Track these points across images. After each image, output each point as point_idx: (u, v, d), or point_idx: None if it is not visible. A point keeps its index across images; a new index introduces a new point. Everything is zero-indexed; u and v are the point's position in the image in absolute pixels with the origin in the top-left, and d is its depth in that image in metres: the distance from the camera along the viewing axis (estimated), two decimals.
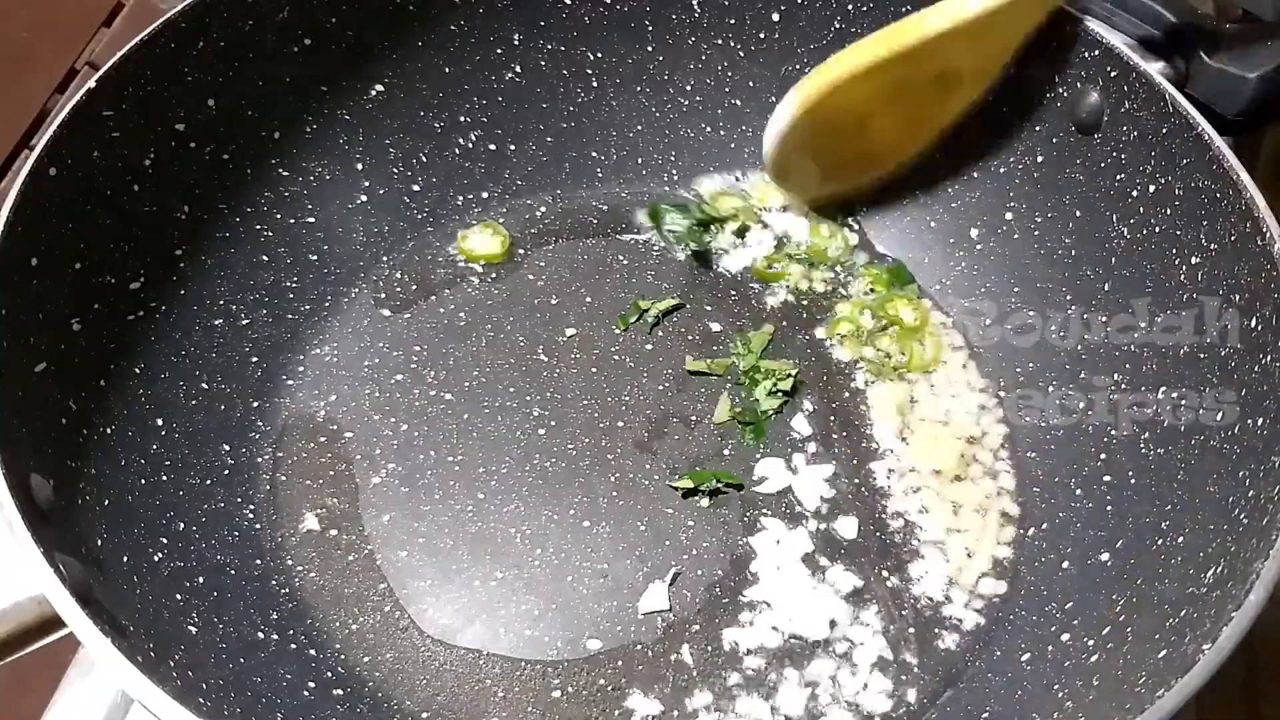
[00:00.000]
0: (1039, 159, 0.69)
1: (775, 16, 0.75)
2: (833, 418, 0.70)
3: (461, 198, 0.78)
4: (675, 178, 0.80)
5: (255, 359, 0.68)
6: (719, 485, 0.66)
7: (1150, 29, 0.69)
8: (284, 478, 0.65)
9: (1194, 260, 0.60)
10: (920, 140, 0.73)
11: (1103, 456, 0.64)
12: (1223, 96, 0.67)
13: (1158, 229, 0.63)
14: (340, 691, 0.57)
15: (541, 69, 0.77)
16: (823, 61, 0.69)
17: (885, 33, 0.67)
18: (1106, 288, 0.66)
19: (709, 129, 0.80)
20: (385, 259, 0.75)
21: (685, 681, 0.59)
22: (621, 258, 0.77)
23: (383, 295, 0.74)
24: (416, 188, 0.76)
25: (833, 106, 0.69)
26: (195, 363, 0.65)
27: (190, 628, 0.54)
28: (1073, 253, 0.68)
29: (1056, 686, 0.56)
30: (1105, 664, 0.54)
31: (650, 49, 0.77)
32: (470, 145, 0.77)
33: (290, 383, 0.69)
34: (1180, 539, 0.56)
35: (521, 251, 0.77)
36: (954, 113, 0.70)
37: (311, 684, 0.57)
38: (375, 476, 0.66)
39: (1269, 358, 0.55)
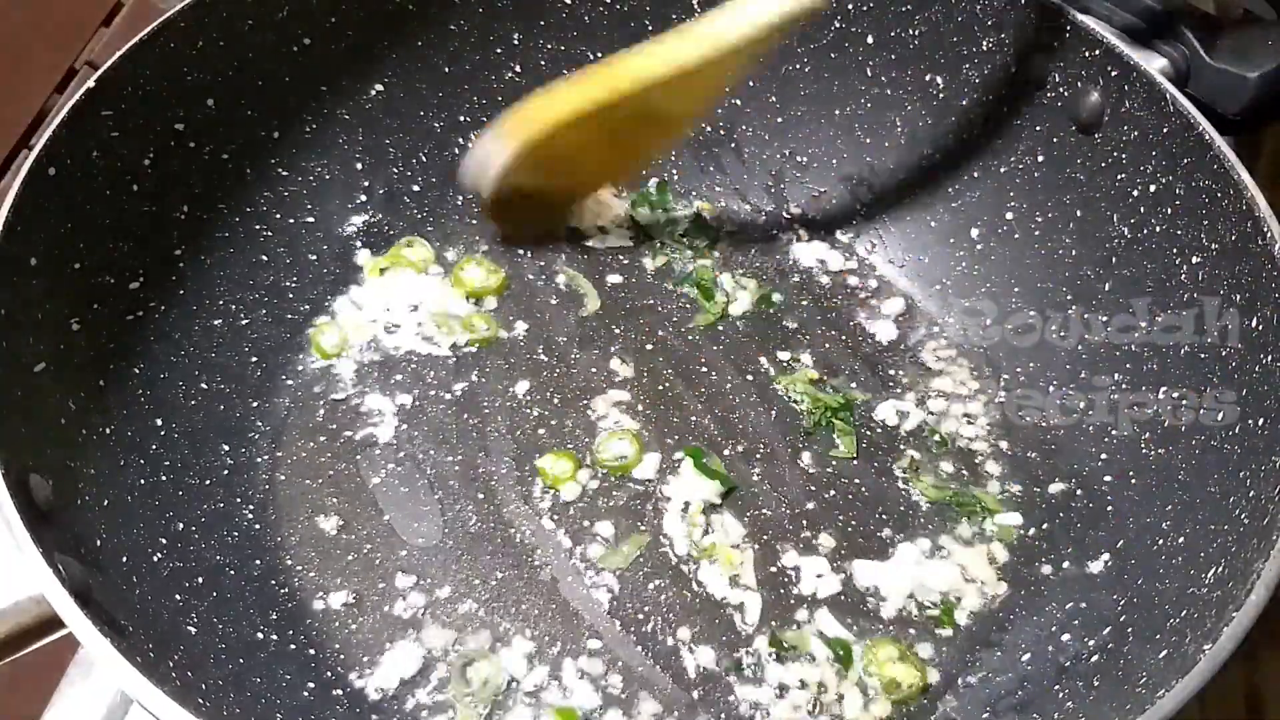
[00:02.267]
0: (1039, 159, 0.69)
1: None
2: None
3: (462, 198, 0.77)
4: (675, 178, 0.80)
5: (255, 359, 0.68)
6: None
7: (1151, 28, 0.69)
8: (283, 478, 0.65)
9: (1194, 260, 0.60)
10: (624, 172, 0.74)
11: (1103, 456, 0.64)
12: (1223, 96, 0.67)
13: (1158, 228, 0.63)
14: (340, 691, 0.57)
15: (541, 69, 0.76)
16: (566, 89, 0.65)
17: (603, 75, 0.64)
18: (1107, 287, 0.66)
19: (709, 129, 0.79)
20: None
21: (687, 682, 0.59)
22: (621, 258, 0.77)
23: None
24: (416, 188, 0.76)
25: (547, 147, 0.67)
26: (195, 363, 0.65)
27: (189, 628, 0.54)
28: (1073, 252, 0.68)
29: (1057, 687, 0.56)
30: (1105, 664, 0.54)
31: None
32: (470, 145, 0.77)
33: (290, 383, 0.69)
34: (1180, 539, 0.56)
35: (521, 252, 0.77)
36: (660, 148, 0.70)
37: (311, 684, 0.57)
38: (375, 476, 0.66)
39: (1269, 357, 0.55)
